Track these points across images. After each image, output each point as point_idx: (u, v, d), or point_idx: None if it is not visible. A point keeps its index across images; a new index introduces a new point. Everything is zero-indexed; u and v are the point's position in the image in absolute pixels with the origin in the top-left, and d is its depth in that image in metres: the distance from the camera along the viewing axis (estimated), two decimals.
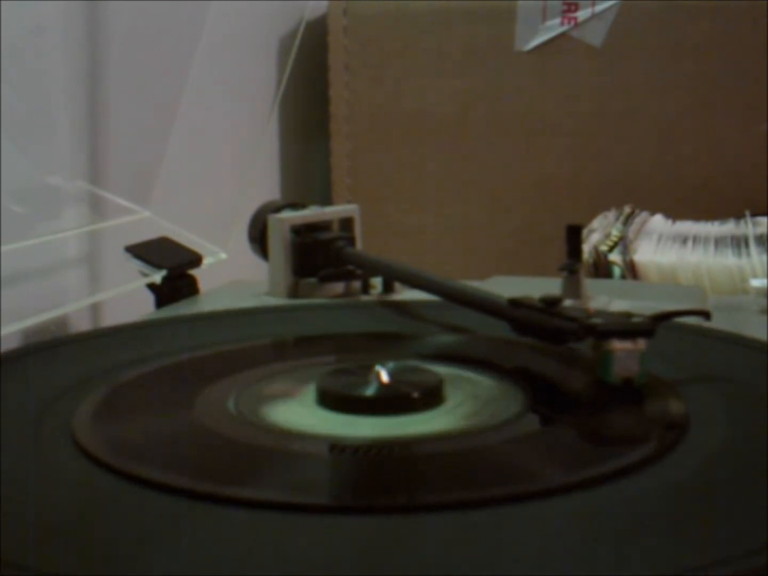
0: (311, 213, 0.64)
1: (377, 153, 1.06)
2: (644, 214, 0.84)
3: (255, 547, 0.27)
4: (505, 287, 0.50)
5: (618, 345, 0.38)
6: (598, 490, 0.30)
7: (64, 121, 0.72)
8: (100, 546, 0.27)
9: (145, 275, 0.65)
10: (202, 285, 0.67)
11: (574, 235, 0.56)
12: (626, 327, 0.39)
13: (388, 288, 0.62)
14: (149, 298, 0.65)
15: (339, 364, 0.43)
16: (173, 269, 0.65)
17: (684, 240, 0.77)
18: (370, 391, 0.38)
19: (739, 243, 0.74)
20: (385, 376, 0.38)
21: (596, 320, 0.40)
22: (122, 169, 0.75)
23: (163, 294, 0.64)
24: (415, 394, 0.38)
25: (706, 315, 0.44)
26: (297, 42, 0.83)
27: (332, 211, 0.66)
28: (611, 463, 0.32)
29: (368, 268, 0.61)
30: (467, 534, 0.27)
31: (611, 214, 0.84)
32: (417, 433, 0.35)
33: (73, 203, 0.73)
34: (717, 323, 0.47)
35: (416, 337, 0.51)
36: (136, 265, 0.65)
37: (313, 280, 0.62)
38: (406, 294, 0.61)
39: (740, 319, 0.55)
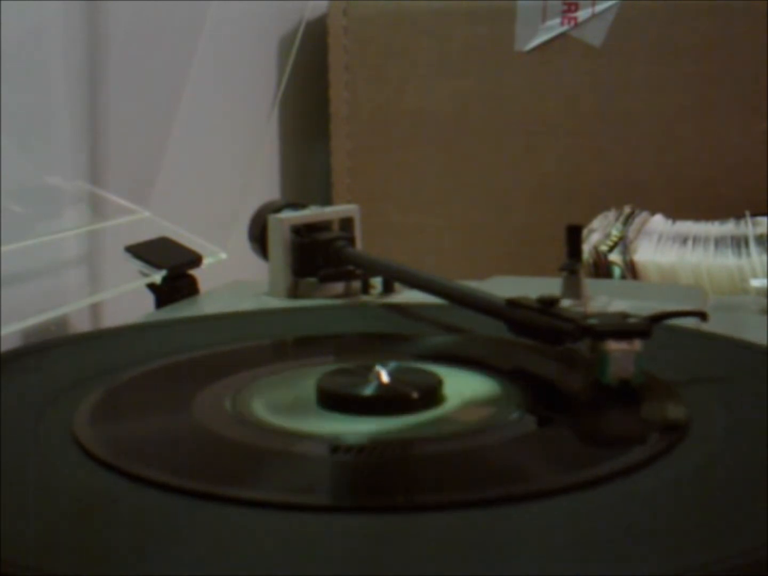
0: (311, 213, 0.64)
1: (377, 153, 1.06)
2: (644, 214, 0.84)
3: (255, 547, 0.27)
4: (505, 287, 0.50)
5: (614, 346, 0.38)
6: (597, 490, 0.30)
7: (64, 121, 0.72)
8: (100, 546, 0.27)
9: (145, 275, 0.65)
10: (202, 285, 0.67)
11: (574, 235, 0.56)
12: (622, 328, 0.39)
13: (388, 288, 0.62)
14: (149, 298, 0.65)
15: (339, 364, 0.43)
16: (173, 269, 0.65)
17: (684, 240, 0.77)
18: (369, 391, 0.38)
19: (739, 243, 0.74)
20: (384, 377, 0.39)
21: (592, 321, 0.40)
22: (122, 169, 0.75)
23: (163, 294, 0.64)
24: (415, 395, 0.38)
25: (702, 316, 0.44)
26: (297, 42, 0.83)
27: (332, 211, 0.66)
28: (610, 464, 0.32)
29: (368, 268, 0.61)
30: (467, 534, 0.27)
31: (611, 214, 0.84)
32: (416, 434, 0.35)
33: (73, 203, 0.73)
34: (717, 323, 0.47)
35: (416, 337, 0.51)
36: (136, 265, 0.65)
37: (313, 280, 0.62)
38: (406, 294, 0.61)
39: (740, 319, 0.55)
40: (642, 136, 0.98)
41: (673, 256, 0.74)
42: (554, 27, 0.98)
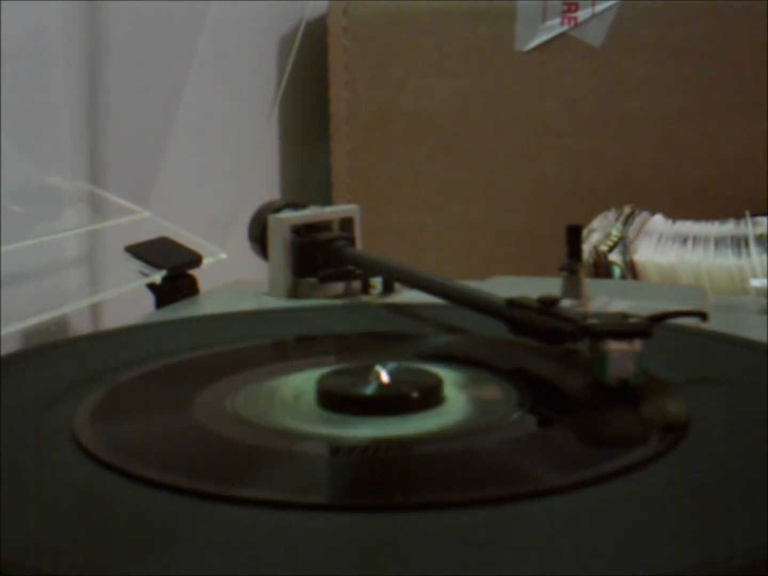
0: (311, 213, 0.64)
1: (377, 153, 1.06)
2: (644, 214, 0.84)
3: (255, 547, 0.27)
4: (505, 287, 0.50)
5: (614, 345, 0.38)
6: (597, 490, 0.30)
7: (64, 121, 0.72)
8: (100, 546, 0.27)
9: (145, 275, 0.65)
10: (202, 285, 0.67)
11: (574, 235, 0.56)
12: (622, 328, 0.39)
13: (388, 288, 0.62)
14: (149, 298, 0.65)
15: (339, 364, 0.43)
16: (173, 269, 0.65)
17: (684, 240, 0.77)
18: (369, 391, 0.38)
19: (739, 243, 0.74)
20: (384, 377, 0.38)
21: (592, 321, 0.40)
22: (122, 169, 0.75)
23: (163, 294, 0.64)
24: (415, 395, 0.38)
25: (702, 316, 0.43)
26: (297, 42, 0.83)
27: (332, 211, 0.66)
28: (610, 463, 0.32)
29: (368, 268, 0.61)
30: (466, 534, 0.27)
31: (611, 214, 0.84)
32: (416, 433, 0.35)
33: (73, 203, 0.73)
34: (717, 323, 0.47)
35: (416, 337, 0.51)
36: (136, 265, 0.65)
37: (313, 280, 0.62)
38: (406, 294, 0.61)
39: (740, 319, 0.55)
40: (642, 136, 0.98)
41: (673, 256, 0.74)
42: (554, 27, 0.98)
